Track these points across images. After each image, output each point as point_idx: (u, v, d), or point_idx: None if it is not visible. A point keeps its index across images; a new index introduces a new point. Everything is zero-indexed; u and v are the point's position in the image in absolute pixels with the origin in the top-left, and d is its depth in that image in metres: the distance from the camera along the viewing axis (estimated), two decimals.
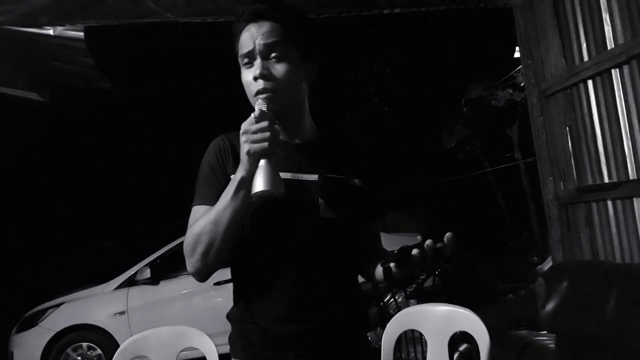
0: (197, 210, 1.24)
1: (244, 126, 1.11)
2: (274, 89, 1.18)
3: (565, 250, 3.39)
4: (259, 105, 1.13)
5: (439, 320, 1.87)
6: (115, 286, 5.46)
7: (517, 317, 3.74)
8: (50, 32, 3.70)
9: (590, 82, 3.07)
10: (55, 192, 9.10)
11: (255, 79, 1.19)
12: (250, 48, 1.20)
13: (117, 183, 9.57)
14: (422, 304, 2.06)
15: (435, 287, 4.43)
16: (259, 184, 1.06)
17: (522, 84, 7.99)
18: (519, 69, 8.38)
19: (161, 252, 5.53)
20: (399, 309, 3.86)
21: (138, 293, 5.38)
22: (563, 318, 2.94)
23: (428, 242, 1.03)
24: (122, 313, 5.28)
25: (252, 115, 1.12)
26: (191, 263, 1.19)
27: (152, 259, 5.50)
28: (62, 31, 3.72)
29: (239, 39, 1.24)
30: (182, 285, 5.36)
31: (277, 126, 1.12)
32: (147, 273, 5.37)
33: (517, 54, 5.13)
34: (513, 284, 6.21)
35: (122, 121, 9.23)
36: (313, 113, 1.35)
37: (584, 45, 3.10)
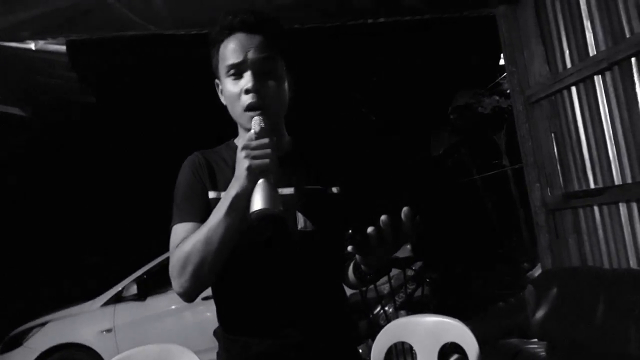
0: (179, 229, 1.20)
1: (244, 142, 1.07)
2: (266, 106, 1.16)
3: (554, 257, 3.40)
4: (258, 121, 1.10)
5: (428, 331, 1.85)
6: (101, 303, 5.35)
7: (507, 325, 3.73)
8: (32, 46, 3.66)
9: (573, 89, 3.10)
10: (39, 208, 8.97)
11: (248, 92, 1.15)
12: (240, 59, 1.16)
13: (103, 198, 9.46)
14: (411, 315, 2.04)
15: (424, 297, 4.41)
16: (258, 202, 1.02)
17: (508, 91, 8.05)
18: (504, 76, 8.45)
19: (148, 268, 5.44)
20: (388, 320, 3.82)
21: (125, 310, 5.29)
22: (553, 325, 2.94)
23: (383, 217, 0.99)
24: (109, 331, 5.18)
25: (252, 131, 1.09)
26: (180, 284, 1.14)
27: (138, 275, 5.41)
28: (44, 45, 3.68)
29: (220, 48, 1.20)
30: (170, 301, 5.28)
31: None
32: (134, 289, 5.28)
33: (502, 61, 5.18)
34: (503, 292, 6.20)
35: (107, 135, 9.16)
36: (290, 123, 1.33)
37: (567, 52, 3.13)
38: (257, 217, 1.03)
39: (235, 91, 1.17)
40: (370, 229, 0.99)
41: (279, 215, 1.04)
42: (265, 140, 1.06)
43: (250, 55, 1.16)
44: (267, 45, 1.17)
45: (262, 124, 1.10)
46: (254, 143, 1.06)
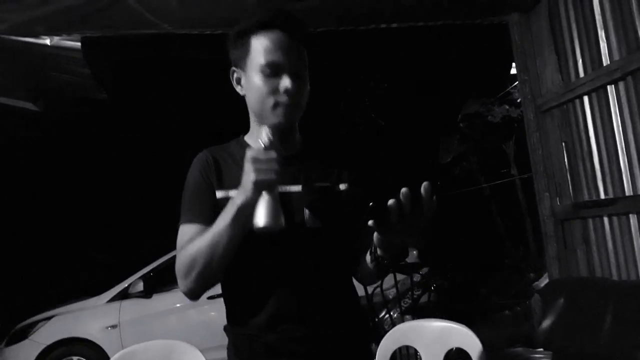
0: (185, 229, 1.23)
1: (253, 153, 1.09)
2: (295, 107, 1.21)
3: (562, 267, 3.37)
4: (268, 134, 1.12)
5: (434, 336, 1.85)
6: (107, 299, 5.38)
7: (512, 333, 3.70)
8: (47, 41, 3.69)
9: (586, 98, 3.08)
10: (48, 204, 9.03)
11: (287, 92, 1.18)
12: (281, 60, 1.19)
13: (111, 194, 9.52)
14: (417, 320, 2.03)
15: (430, 303, 4.40)
16: (262, 218, 1.07)
17: (518, 100, 8.02)
18: (515, 85, 8.43)
19: (155, 265, 5.46)
20: (393, 324, 3.81)
21: (131, 306, 5.30)
22: (559, 335, 2.92)
23: (403, 189, 1.00)
24: (114, 327, 5.20)
25: (260, 142, 1.11)
26: (185, 285, 1.19)
27: (145, 272, 5.43)
28: (59, 41, 3.71)
29: (251, 40, 1.21)
30: (175, 299, 5.29)
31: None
32: (140, 286, 5.30)
33: (513, 70, 5.16)
34: (509, 300, 6.17)
35: (118, 132, 9.22)
36: (300, 123, 1.34)
37: (580, 62, 3.12)
38: (259, 232, 1.08)
39: (266, 89, 1.20)
40: (390, 201, 1.00)
41: (281, 229, 1.09)
42: (273, 155, 1.09)
43: (292, 58, 1.20)
44: (303, 50, 1.23)
45: (271, 136, 1.12)
46: (263, 157, 1.08)
